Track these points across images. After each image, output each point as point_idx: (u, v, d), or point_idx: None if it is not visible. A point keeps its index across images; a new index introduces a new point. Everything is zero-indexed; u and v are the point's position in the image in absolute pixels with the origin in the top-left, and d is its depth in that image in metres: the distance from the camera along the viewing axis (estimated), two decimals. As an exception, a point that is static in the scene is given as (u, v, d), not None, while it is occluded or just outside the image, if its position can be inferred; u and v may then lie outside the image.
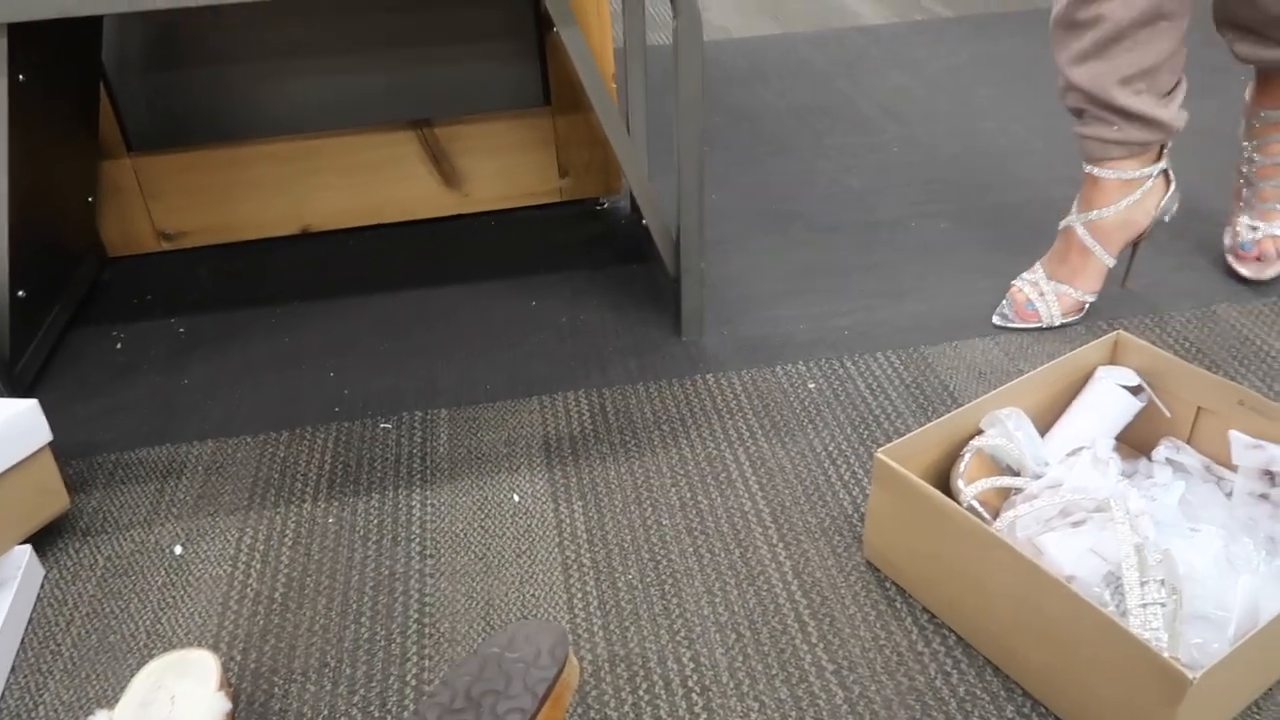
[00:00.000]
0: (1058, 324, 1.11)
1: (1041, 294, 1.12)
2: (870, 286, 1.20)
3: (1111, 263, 1.10)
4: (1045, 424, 0.89)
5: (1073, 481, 0.77)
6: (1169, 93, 1.02)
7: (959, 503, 0.79)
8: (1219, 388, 0.84)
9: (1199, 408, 0.86)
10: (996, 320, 1.13)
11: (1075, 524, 0.75)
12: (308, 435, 1.00)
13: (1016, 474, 0.83)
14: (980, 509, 0.79)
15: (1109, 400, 0.86)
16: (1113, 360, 0.91)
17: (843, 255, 1.27)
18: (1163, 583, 0.68)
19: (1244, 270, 1.17)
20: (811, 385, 1.04)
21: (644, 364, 1.09)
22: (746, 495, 0.90)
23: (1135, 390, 0.88)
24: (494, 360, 1.10)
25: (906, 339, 1.10)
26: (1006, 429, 0.83)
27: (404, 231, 1.38)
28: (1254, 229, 1.17)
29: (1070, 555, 0.72)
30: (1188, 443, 0.88)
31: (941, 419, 0.82)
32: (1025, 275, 1.14)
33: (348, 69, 1.29)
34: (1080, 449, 0.81)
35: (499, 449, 0.97)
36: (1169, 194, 1.07)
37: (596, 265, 1.27)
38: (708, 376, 1.06)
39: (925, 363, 1.06)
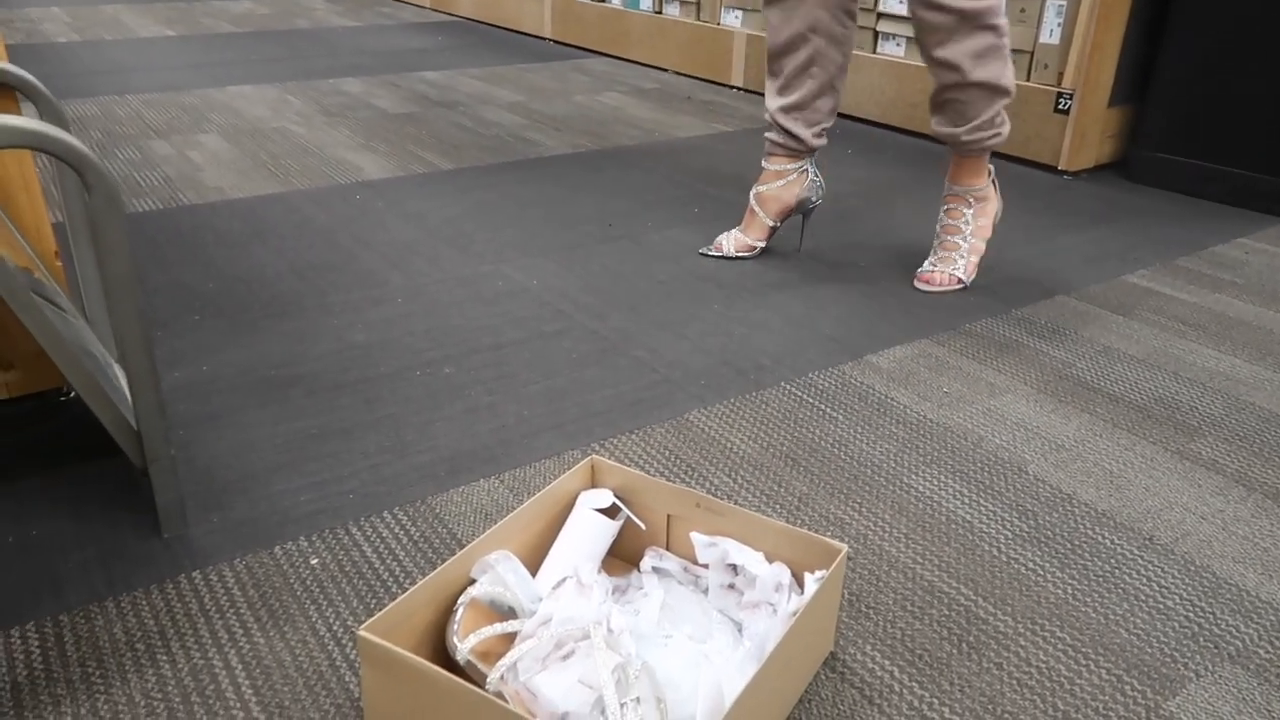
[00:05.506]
0: (732, 255, 1.76)
1: (726, 236, 1.77)
2: (375, 444, 1.17)
3: (770, 221, 1.74)
4: (540, 558, 0.91)
5: (560, 613, 0.79)
6: (816, 124, 1.66)
7: (457, 661, 0.77)
8: (680, 495, 0.92)
9: (669, 515, 0.94)
10: (701, 250, 1.78)
11: (565, 657, 0.76)
12: None
13: (516, 617, 0.83)
14: (479, 664, 0.77)
15: (586, 526, 0.90)
16: (592, 484, 0.96)
17: (346, 415, 1.23)
18: (638, 700, 0.71)
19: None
20: (315, 561, 0.97)
21: (115, 575, 0.94)
22: (238, 704, 0.80)
23: (613, 510, 0.94)
24: (-93, 609, 0.89)
25: (413, 493, 1.08)
26: (497, 574, 0.83)
27: None
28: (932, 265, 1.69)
29: (560, 691, 0.73)
30: (667, 549, 0.95)
31: (429, 576, 0.80)
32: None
33: None
34: (565, 579, 0.83)
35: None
36: (806, 184, 1.71)
37: (52, 467, 1.10)
38: (194, 575, 0.95)
39: (433, 514, 1.05)
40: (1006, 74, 1.50)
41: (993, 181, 1.65)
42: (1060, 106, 2.28)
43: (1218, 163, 2.14)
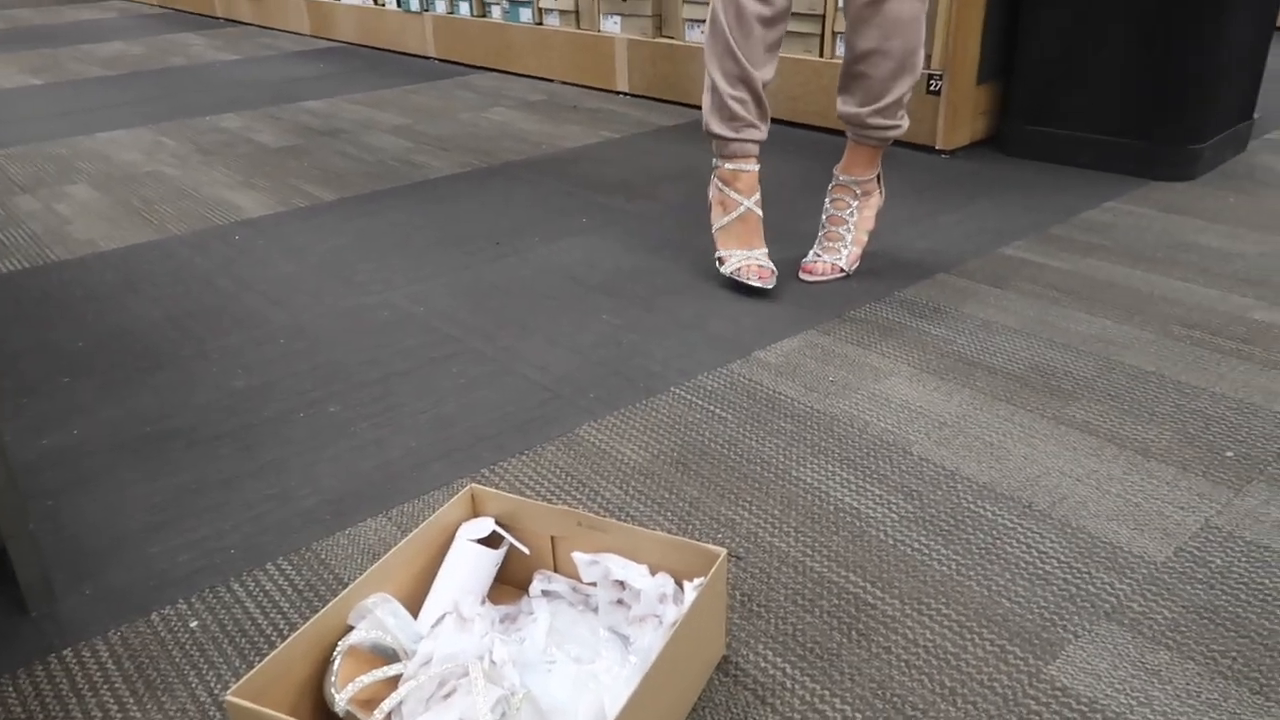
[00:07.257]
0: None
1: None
2: (257, 494, 1.14)
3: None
4: (423, 596, 0.89)
5: (441, 651, 0.78)
6: None
7: (336, 713, 0.75)
8: (562, 515, 0.91)
9: (553, 537, 0.93)
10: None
11: (447, 695, 0.75)
12: None
13: (399, 660, 0.81)
14: (358, 713, 0.76)
15: (466, 558, 0.89)
16: (473, 513, 0.95)
17: (226, 466, 1.19)
18: (519, 732, 0.70)
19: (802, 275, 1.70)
20: (194, 624, 0.94)
21: (-22, 662, 0.90)
22: (113, 786, 0.77)
23: (495, 539, 0.92)
24: None
25: (297, 540, 1.05)
26: (376, 617, 0.81)
27: None
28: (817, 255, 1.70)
29: (442, 733, 0.71)
30: (555, 570, 0.94)
31: (304, 628, 0.78)
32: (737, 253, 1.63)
33: None
34: (444, 615, 0.82)
35: None
36: None
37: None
38: (65, 653, 0.91)
39: (319, 560, 1.02)
40: (920, 53, 1.52)
41: (879, 178, 1.68)
42: (931, 88, 2.33)
43: (1082, 130, 2.22)
